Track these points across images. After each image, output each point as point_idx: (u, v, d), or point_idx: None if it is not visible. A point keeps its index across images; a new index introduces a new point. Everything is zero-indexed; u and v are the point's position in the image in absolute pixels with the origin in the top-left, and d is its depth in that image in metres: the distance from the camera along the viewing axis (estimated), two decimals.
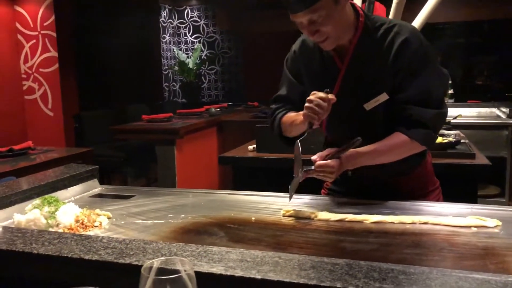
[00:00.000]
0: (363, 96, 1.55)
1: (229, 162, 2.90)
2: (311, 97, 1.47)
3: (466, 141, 2.77)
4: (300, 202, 1.61)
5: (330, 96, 1.46)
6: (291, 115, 1.67)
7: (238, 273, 0.90)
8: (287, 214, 1.48)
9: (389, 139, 1.53)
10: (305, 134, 1.55)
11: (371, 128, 1.59)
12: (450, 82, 4.66)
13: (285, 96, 1.75)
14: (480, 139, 3.77)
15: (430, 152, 1.75)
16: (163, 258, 0.75)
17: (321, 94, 1.46)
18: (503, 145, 3.95)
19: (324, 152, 1.51)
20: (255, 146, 2.91)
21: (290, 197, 1.55)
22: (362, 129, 1.58)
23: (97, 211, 1.49)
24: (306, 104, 1.47)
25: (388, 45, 1.52)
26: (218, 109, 6.02)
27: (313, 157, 1.50)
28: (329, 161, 1.48)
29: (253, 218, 1.46)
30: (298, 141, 1.53)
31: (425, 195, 1.67)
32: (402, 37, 1.50)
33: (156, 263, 0.70)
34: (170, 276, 0.67)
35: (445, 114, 1.56)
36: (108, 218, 1.48)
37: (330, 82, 1.57)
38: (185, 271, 0.69)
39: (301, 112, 1.52)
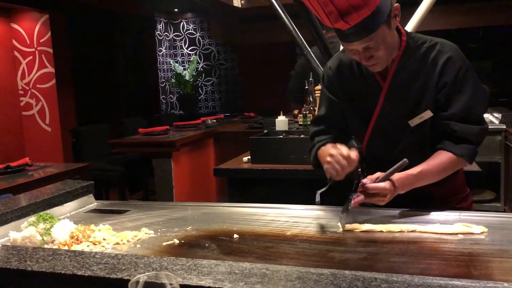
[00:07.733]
0: (406, 114, 1.56)
1: (223, 174, 2.93)
2: (333, 151, 1.45)
3: None
4: (310, 214, 1.63)
5: (353, 154, 1.43)
6: (327, 150, 1.63)
7: (226, 285, 0.92)
8: (350, 228, 1.43)
9: (435, 158, 1.52)
10: (327, 187, 1.48)
11: (415, 146, 1.59)
12: None
13: (324, 116, 1.73)
14: None
15: None
16: (149, 273, 0.78)
17: (343, 151, 1.43)
18: (497, 151, 3.99)
19: (374, 176, 1.48)
20: (249, 157, 2.94)
21: (343, 226, 1.44)
22: (406, 147, 1.59)
23: (92, 226, 1.52)
24: (328, 159, 1.45)
25: (431, 62, 1.54)
26: (215, 120, 6.04)
27: (364, 180, 1.46)
28: (382, 183, 1.44)
29: (258, 231, 1.49)
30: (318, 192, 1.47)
31: (457, 201, 1.67)
32: (446, 55, 1.52)
33: (143, 278, 0.73)
34: None
35: (486, 130, 1.57)
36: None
37: (371, 101, 1.59)
38: (171, 285, 0.71)
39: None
